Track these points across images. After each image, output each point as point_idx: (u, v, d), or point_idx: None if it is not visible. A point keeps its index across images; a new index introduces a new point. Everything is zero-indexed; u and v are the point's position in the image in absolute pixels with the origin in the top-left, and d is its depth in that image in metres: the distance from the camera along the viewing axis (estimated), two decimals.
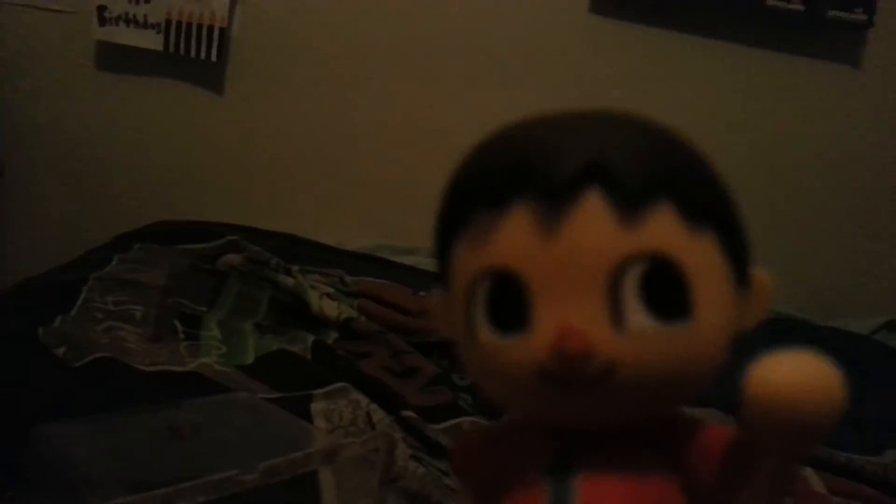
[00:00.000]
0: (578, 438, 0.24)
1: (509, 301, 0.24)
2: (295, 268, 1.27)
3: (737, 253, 0.25)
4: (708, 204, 0.24)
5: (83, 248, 1.31)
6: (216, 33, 1.60)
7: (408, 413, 0.80)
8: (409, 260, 1.54)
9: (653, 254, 0.23)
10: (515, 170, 0.24)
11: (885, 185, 1.69)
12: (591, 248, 0.23)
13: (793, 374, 0.22)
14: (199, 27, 1.60)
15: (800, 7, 1.56)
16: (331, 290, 1.22)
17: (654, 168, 0.23)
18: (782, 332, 1.44)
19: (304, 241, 1.54)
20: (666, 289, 0.23)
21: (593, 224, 0.23)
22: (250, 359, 0.93)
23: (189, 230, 1.43)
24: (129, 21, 1.60)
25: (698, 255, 0.24)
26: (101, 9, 1.60)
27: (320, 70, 1.68)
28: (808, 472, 0.81)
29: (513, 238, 0.24)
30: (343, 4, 1.65)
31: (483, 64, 1.67)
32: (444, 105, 1.68)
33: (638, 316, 0.23)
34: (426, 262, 1.56)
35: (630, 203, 0.23)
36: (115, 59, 1.66)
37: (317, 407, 0.79)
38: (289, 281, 1.20)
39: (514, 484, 0.26)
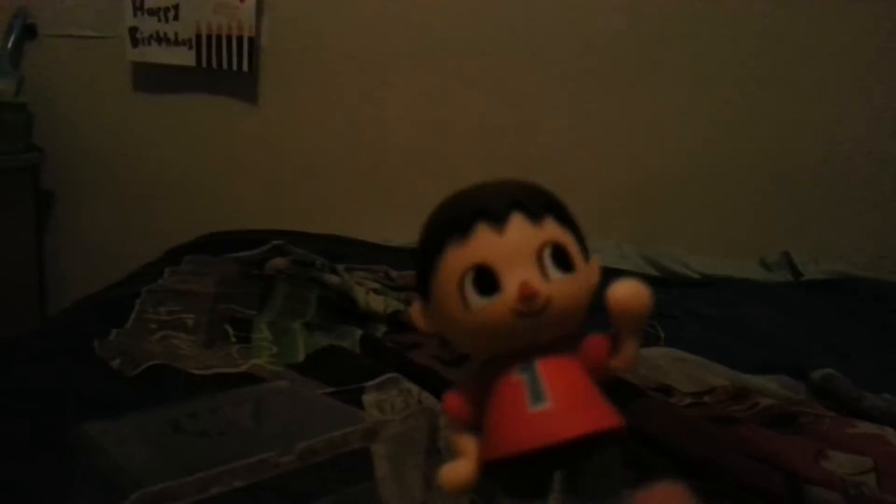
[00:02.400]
0: (531, 351, 0.42)
1: (485, 280, 0.41)
2: (340, 266, 1.28)
3: (580, 239, 0.44)
4: (566, 214, 0.45)
5: (136, 265, 1.34)
6: (245, 43, 1.62)
7: None
8: None
9: (552, 241, 0.42)
10: (476, 210, 0.43)
11: None
12: (524, 241, 0.42)
13: (627, 289, 0.40)
14: (229, 39, 1.62)
15: None
16: (377, 286, 1.22)
17: (543, 201, 0.44)
18: (850, 291, 1.39)
19: (348, 241, 1.55)
20: (561, 257, 0.42)
21: (521, 230, 0.42)
22: (301, 357, 0.93)
23: (235, 239, 1.45)
24: (161, 39, 1.63)
25: (568, 240, 0.43)
26: (133, 30, 1.63)
27: (351, 71, 1.68)
28: (888, 431, 0.77)
29: (481, 245, 0.42)
30: (369, 7, 1.65)
31: (511, 61, 1.65)
32: (476, 99, 1.67)
33: (553, 272, 0.41)
34: None
35: (536, 218, 0.42)
36: (150, 78, 1.70)
37: (369, 398, 0.79)
38: (335, 279, 1.20)
39: (499, 388, 0.42)
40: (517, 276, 0.40)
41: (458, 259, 0.42)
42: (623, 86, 1.64)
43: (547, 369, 0.41)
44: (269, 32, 1.66)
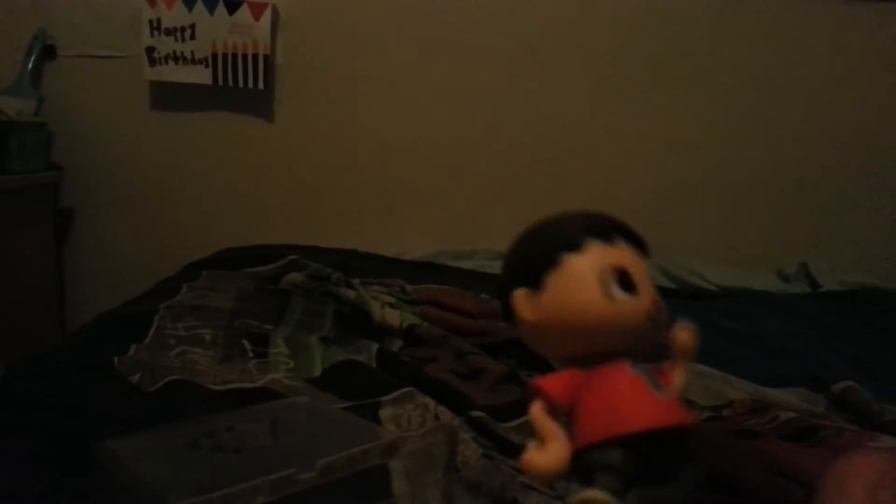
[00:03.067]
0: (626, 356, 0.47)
1: (625, 281, 0.46)
2: (356, 281, 1.28)
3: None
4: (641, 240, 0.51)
5: (154, 281, 1.35)
6: (261, 61, 1.64)
7: (477, 413, 0.78)
8: (467, 264, 1.54)
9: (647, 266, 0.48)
10: (614, 227, 0.49)
11: None
12: (640, 261, 0.48)
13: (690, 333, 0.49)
14: (245, 57, 1.64)
15: None
16: (392, 300, 1.23)
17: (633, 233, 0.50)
18: (868, 302, 1.38)
19: (364, 255, 1.56)
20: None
21: (633, 252, 0.49)
22: (318, 371, 0.93)
23: (252, 254, 1.46)
24: (178, 59, 1.65)
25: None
26: (150, 49, 1.66)
27: (365, 88, 1.70)
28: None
29: (621, 253, 0.48)
30: (383, 24, 1.67)
31: (527, 74, 1.65)
32: (491, 114, 1.68)
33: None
34: (485, 265, 1.55)
35: (609, 241, 0.48)
36: (167, 97, 1.72)
37: (385, 413, 0.79)
38: (350, 294, 1.20)
39: (611, 379, 0.45)
40: (645, 286, 0.46)
41: (601, 257, 0.46)
42: (639, 97, 1.64)
43: (653, 370, 0.46)
44: (283, 50, 1.68)
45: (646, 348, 0.47)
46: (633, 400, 0.44)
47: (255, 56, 1.64)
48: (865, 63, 1.58)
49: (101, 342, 0.97)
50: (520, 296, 0.48)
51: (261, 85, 1.65)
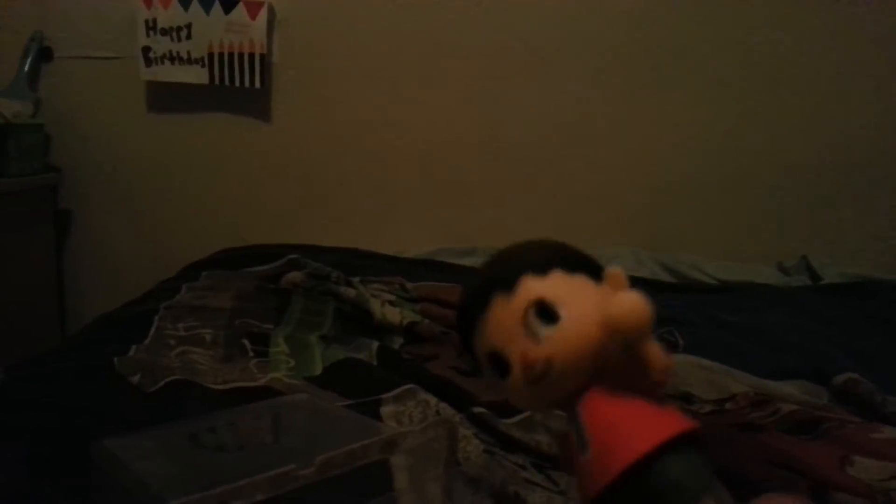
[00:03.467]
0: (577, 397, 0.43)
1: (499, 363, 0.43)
2: (356, 279, 1.28)
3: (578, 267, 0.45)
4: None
5: (154, 281, 1.35)
6: (257, 61, 1.64)
7: (478, 409, 0.78)
8: (467, 261, 1.53)
9: (533, 299, 0.44)
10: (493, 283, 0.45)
11: None
12: (507, 316, 0.44)
13: (622, 307, 0.40)
14: (241, 56, 1.64)
15: None
16: (392, 298, 1.23)
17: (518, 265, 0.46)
18: (870, 294, 1.38)
19: (363, 254, 1.55)
20: (546, 311, 0.44)
21: (499, 306, 0.44)
22: (318, 369, 0.93)
23: (251, 254, 1.46)
24: (174, 59, 1.65)
25: (552, 287, 0.44)
26: (146, 50, 1.65)
27: (362, 86, 1.69)
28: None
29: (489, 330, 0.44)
30: (379, 22, 1.66)
31: (523, 72, 1.65)
32: (487, 112, 1.67)
33: (541, 329, 0.43)
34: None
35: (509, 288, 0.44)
36: (164, 97, 1.72)
37: (387, 410, 0.79)
38: (350, 292, 1.20)
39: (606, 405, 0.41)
40: (516, 351, 0.41)
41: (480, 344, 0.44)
42: (637, 91, 1.64)
43: (588, 410, 0.40)
44: (280, 49, 1.67)
45: (590, 384, 0.41)
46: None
47: (252, 55, 1.64)
48: (864, 56, 1.58)
49: (102, 343, 0.97)
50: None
51: (257, 84, 1.65)
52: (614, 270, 0.43)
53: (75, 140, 1.75)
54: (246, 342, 1.01)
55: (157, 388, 0.82)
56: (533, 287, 0.42)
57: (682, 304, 1.26)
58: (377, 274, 1.36)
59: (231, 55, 1.64)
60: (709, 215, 1.66)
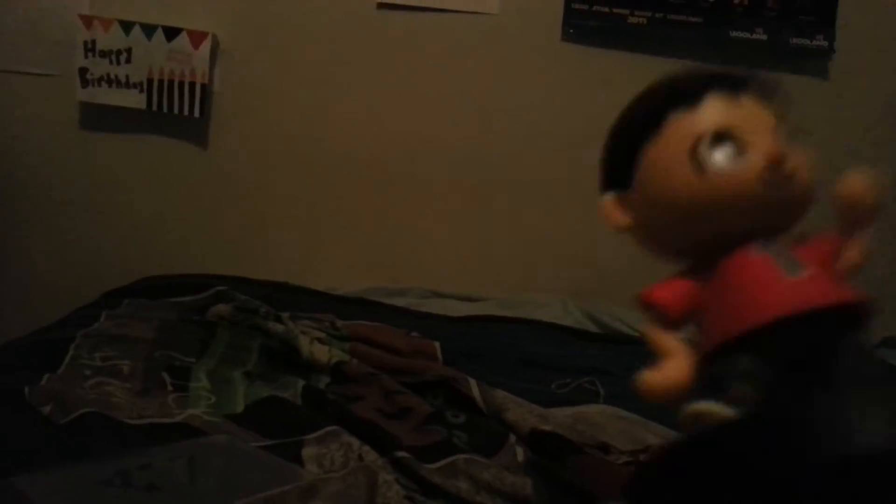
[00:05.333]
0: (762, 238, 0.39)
1: (726, 145, 0.38)
2: (285, 314, 1.27)
3: None
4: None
5: (72, 307, 1.31)
6: (198, 90, 1.63)
7: (401, 454, 0.78)
8: (400, 301, 1.54)
9: (784, 120, 0.40)
10: (707, 80, 0.39)
11: None
12: (762, 112, 0.40)
13: (859, 181, 0.38)
14: (181, 84, 1.62)
15: (763, 37, 1.61)
16: (322, 335, 1.22)
17: (767, 86, 0.41)
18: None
19: (294, 289, 1.54)
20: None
21: (756, 103, 0.40)
22: (240, 407, 0.92)
23: (177, 283, 1.43)
24: (112, 81, 1.62)
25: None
26: (83, 70, 1.62)
27: (302, 120, 1.70)
28: None
29: (717, 112, 0.38)
30: (321, 56, 1.68)
31: (462, 105, 1.69)
32: (427, 145, 1.70)
33: (788, 141, 0.39)
34: (418, 303, 1.56)
35: (766, 97, 0.40)
36: (99, 118, 1.68)
37: (308, 452, 0.78)
38: (279, 328, 1.19)
39: (735, 268, 0.38)
40: (762, 143, 0.37)
41: (689, 125, 0.38)
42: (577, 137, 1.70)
43: (791, 246, 0.39)
44: (221, 79, 1.67)
45: (787, 223, 0.39)
46: (756, 287, 0.37)
47: (193, 84, 1.62)
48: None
49: (12, 370, 0.93)
50: (607, 203, 0.42)
51: (196, 113, 1.64)
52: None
53: (1, 154, 1.69)
54: (165, 376, 0.99)
55: (68, 420, 0.79)
56: (702, 117, 0.38)
57: (605, 355, 1.29)
58: (307, 310, 1.35)
59: (171, 82, 1.62)
60: (633, 267, 1.72)
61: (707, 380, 0.37)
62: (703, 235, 0.39)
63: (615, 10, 1.62)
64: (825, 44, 1.62)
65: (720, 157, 0.37)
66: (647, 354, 1.36)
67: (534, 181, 1.71)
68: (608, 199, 0.42)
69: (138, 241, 1.73)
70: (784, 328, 0.36)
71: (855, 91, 1.68)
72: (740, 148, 0.38)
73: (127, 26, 1.61)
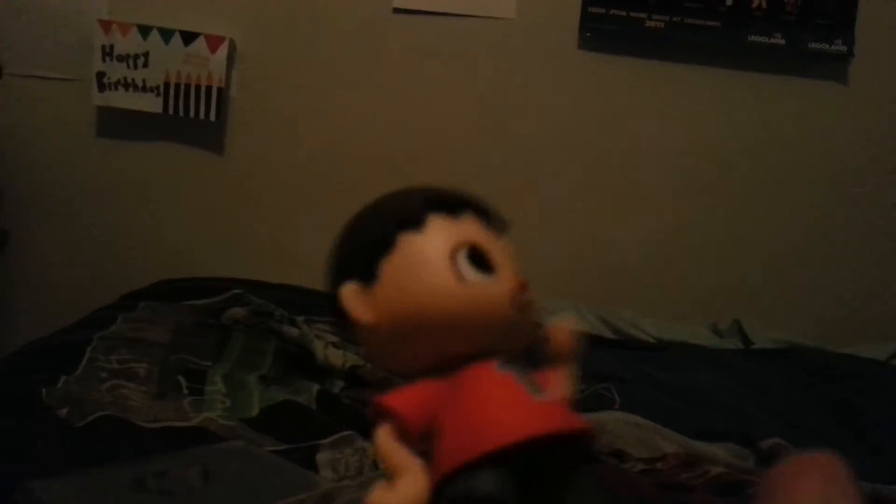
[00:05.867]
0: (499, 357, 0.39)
1: (479, 261, 0.38)
2: (300, 318, 1.27)
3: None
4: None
5: (89, 310, 1.31)
6: (214, 93, 1.63)
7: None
8: None
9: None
10: (426, 203, 0.41)
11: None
12: (490, 236, 0.42)
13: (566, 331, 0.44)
14: (198, 88, 1.63)
15: (781, 41, 1.59)
16: (336, 339, 1.22)
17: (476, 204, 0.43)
18: (798, 360, 1.43)
19: (309, 292, 1.54)
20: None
21: (477, 225, 0.41)
22: (255, 411, 0.92)
23: (194, 286, 1.44)
24: (128, 86, 1.63)
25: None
26: (101, 75, 1.63)
27: (318, 126, 1.70)
28: None
29: (471, 228, 0.40)
30: (337, 60, 1.69)
31: (486, 113, 1.69)
32: (442, 148, 1.70)
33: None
34: None
35: (455, 215, 0.41)
36: (115, 123, 1.69)
37: (322, 457, 0.78)
38: (293, 332, 1.19)
39: (475, 384, 0.37)
40: (506, 266, 0.39)
41: (449, 233, 0.39)
42: (599, 147, 1.69)
43: (531, 371, 0.39)
44: (238, 84, 1.67)
45: (518, 347, 0.39)
46: (501, 405, 0.36)
47: (209, 88, 1.63)
48: (793, 125, 1.67)
49: (29, 372, 0.93)
50: (349, 292, 0.39)
51: (212, 117, 1.64)
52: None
53: (18, 159, 1.71)
54: (181, 379, 0.99)
55: (85, 423, 0.79)
56: (457, 229, 0.39)
57: (620, 361, 1.29)
58: (322, 314, 1.35)
59: (188, 86, 1.63)
60: (652, 276, 1.71)
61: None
62: (452, 345, 0.38)
63: (632, 14, 1.61)
64: (844, 48, 1.60)
65: (472, 271, 0.38)
66: (664, 361, 1.35)
67: (549, 186, 1.70)
68: (349, 288, 0.39)
69: (155, 244, 1.74)
70: (528, 450, 0.35)
71: (874, 96, 1.66)
72: (491, 268, 0.38)
73: (145, 31, 1.62)
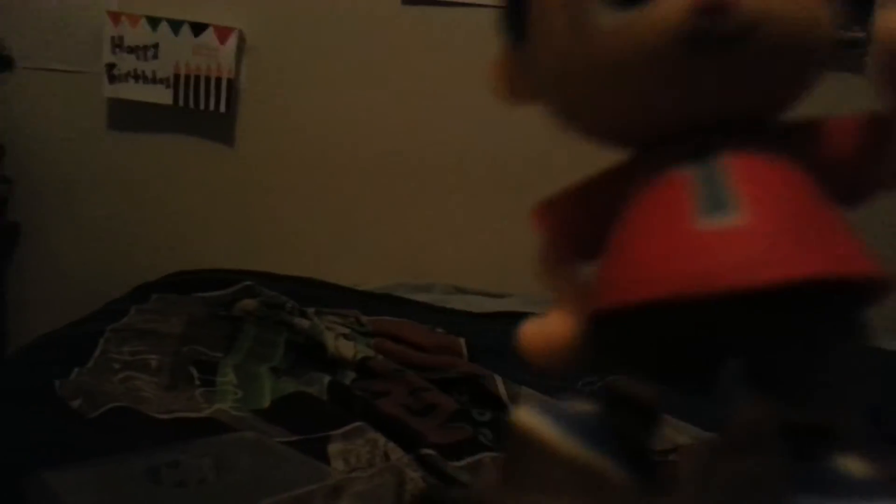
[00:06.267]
0: (713, 134, 0.22)
1: None
2: (311, 310, 1.27)
3: None
4: None
5: (101, 303, 1.32)
6: (224, 85, 1.63)
7: (427, 451, 0.78)
8: (424, 297, 1.54)
9: None
10: None
11: None
12: None
13: None
14: (208, 80, 1.63)
15: None
16: (347, 331, 1.22)
17: None
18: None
19: (320, 284, 1.54)
20: None
21: None
22: (266, 402, 0.92)
23: (205, 278, 1.44)
24: (139, 77, 1.63)
25: None
26: (111, 66, 1.64)
27: (328, 117, 1.70)
28: None
29: None
30: (347, 52, 1.68)
31: (493, 100, 1.68)
32: (453, 140, 1.69)
33: None
34: (442, 299, 1.55)
35: None
36: (126, 115, 1.70)
37: (334, 448, 0.78)
38: (304, 323, 1.19)
39: (645, 190, 0.24)
40: None
41: None
42: None
43: (738, 161, 0.23)
44: (248, 75, 1.67)
45: (757, 93, 0.24)
46: (647, 241, 0.24)
47: (219, 79, 1.63)
48: None
49: (43, 364, 0.94)
50: (492, 67, 0.30)
51: (222, 108, 1.64)
52: None
53: (30, 151, 1.71)
54: (193, 370, 0.99)
55: (97, 415, 0.79)
56: None
57: None
58: (333, 305, 1.35)
59: (197, 78, 1.63)
60: None
61: (587, 359, 0.27)
62: (615, 114, 0.26)
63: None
64: (862, 35, 1.58)
65: (608, 5, 0.23)
66: None
67: (559, 178, 1.69)
68: (498, 60, 0.29)
69: (166, 236, 1.74)
70: (675, 313, 0.22)
71: None
72: None
73: (154, 22, 1.62)
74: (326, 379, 1.02)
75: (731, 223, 0.22)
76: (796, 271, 0.20)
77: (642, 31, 0.22)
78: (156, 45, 1.62)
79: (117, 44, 1.63)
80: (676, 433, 0.92)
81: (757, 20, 0.22)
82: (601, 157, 0.35)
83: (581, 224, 0.29)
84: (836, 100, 1.52)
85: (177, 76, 1.63)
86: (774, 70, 0.23)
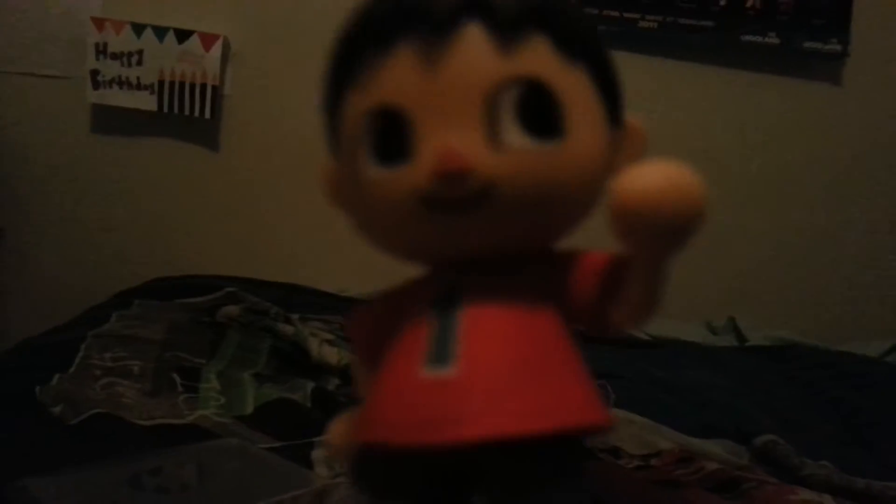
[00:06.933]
0: (465, 274, 0.25)
1: (394, 136, 0.25)
2: (295, 316, 1.27)
3: (609, 91, 0.27)
4: (580, 39, 0.25)
5: (83, 308, 1.31)
6: (209, 91, 1.63)
7: None
8: None
9: (527, 78, 0.24)
10: (399, 10, 0.25)
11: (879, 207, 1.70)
12: (467, 75, 0.23)
13: (651, 180, 0.22)
14: (192, 86, 1.63)
15: (775, 40, 1.60)
16: (331, 337, 1.22)
17: (529, 1, 0.24)
18: (793, 358, 1.43)
19: (304, 290, 1.54)
20: (540, 111, 0.24)
21: (470, 53, 0.23)
22: (249, 409, 0.92)
23: (188, 284, 1.43)
24: (123, 83, 1.63)
25: (571, 83, 0.25)
26: (95, 73, 1.63)
27: (312, 123, 1.70)
28: (826, 499, 0.79)
29: (397, 75, 0.24)
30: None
31: None
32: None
33: (513, 136, 0.24)
34: None
35: (506, 32, 0.23)
36: (110, 120, 1.69)
37: (318, 454, 0.78)
38: (288, 329, 1.19)
39: (403, 324, 0.27)
40: (440, 136, 0.24)
41: (359, 95, 0.27)
42: None
43: (474, 311, 0.25)
44: (232, 82, 1.67)
45: (531, 250, 0.26)
46: (383, 384, 0.26)
47: (204, 85, 1.63)
48: (788, 121, 1.67)
49: (23, 370, 0.93)
50: (323, 170, 0.28)
51: (207, 114, 1.64)
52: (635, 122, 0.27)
53: (12, 156, 1.70)
54: (175, 376, 0.99)
55: (79, 421, 0.79)
56: (534, 58, 0.23)
57: (617, 358, 1.29)
58: (317, 312, 1.35)
59: (182, 84, 1.63)
60: None
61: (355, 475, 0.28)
62: (387, 248, 0.28)
63: (625, 15, 1.62)
64: (839, 48, 1.61)
65: (373, 159, 0.26)
66: (659, 358, 1.35)
67: None
68: (326, 164, 0.27)
69: (149, 242, 1.73)
70: (402, 457, 0.23)
71: (868, 96, 1.67)
72: (411, 140, 0.25)
73: (139, 28, 1.62)
74: (310, 385, 1.02)
75: (445, 376, 0.23)
76: (490, 429, 0.21)
77: (395, 189, 0.25)
78: (140, 52, 1.62)
79: (101, 50, 1.62)
80: (659, 438, 0.93)
81: (492, 184, 0.23)
82: None
83: (373, 339, 0.30)
84: (817, 107, 1.53)
85: (161, 82, 1.63)
86: (517, 225, 0.25)
